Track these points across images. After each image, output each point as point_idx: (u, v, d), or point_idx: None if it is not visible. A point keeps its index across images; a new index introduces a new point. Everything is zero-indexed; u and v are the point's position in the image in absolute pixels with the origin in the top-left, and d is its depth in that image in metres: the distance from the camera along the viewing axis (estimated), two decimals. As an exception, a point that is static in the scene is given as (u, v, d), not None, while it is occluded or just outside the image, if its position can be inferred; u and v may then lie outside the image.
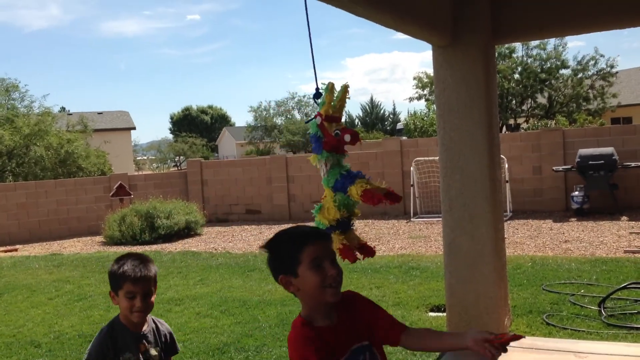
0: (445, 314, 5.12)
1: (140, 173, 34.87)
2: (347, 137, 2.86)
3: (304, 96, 44.52)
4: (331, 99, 2.80)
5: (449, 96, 4.57)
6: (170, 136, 61.55)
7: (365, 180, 2.84)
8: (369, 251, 2.88)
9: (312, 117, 2.94)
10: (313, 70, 3.08)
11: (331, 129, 2.84)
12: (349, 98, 2.96)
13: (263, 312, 6.19)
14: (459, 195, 4.65)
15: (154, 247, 11.77)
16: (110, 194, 14.42)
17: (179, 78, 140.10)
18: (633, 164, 11.36)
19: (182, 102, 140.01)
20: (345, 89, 2.89)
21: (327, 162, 2.89)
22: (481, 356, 1.99)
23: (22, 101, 21.87)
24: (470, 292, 4.71)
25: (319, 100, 2.87)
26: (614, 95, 26.92)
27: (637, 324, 5.00)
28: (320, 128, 2.80)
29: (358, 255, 2.86)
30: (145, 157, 58.48)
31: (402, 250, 9.44)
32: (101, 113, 43.25)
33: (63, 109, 38.76)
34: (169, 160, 51.98)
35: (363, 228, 12.22)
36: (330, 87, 2.80)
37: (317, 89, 2.98)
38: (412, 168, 13.18)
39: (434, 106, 28.04)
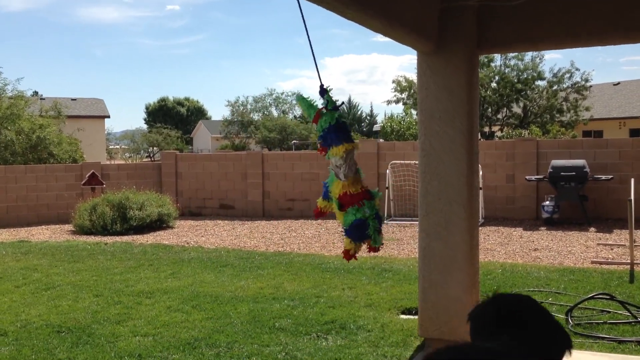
0: (416, 317, 5.17)
1: (112, 162, 34.40)
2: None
3: (282, 93, 44.45)
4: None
5: (431, 102, 4.62)
6: (145, 126, 60.82)
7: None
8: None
9: (326, 110, 3.05)
10: (316, 69, 3.14)
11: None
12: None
13: (235, 309, 6.18)
14: (436, 201, 4.70)
15: (125, 238, 11.63)
16: (82, 183, 14.20)
17: (156, 68, 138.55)
18: (603, 177, 11.62)
19: (158, 92, 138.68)
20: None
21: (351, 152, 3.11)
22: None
23: (-6, 83, 21.29)
24: (442, 297, 4.77)
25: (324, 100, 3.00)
26: (587, 109, 27.49)
27: (603, 333, 5.12)
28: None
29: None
30: (118, 146, 57.68)
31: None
32: (75, 99, 42.53)
33: (36, 93, 38.00)
34: (142, 151, 51.35)
35: (336, 228, 12.26)
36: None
37: (322, 86, 3.07)
38: (387, 171, 13.27)
39: (412, 110, 28.30)
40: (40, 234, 12.71)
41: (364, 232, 3.04)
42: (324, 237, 11.13)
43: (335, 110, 3.05)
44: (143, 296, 6.81)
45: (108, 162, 32.15)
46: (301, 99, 3.06)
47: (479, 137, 26.68)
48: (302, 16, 2.94)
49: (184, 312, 6.13)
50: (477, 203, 4.88)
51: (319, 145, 3.19)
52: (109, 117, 43.21)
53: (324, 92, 3.04)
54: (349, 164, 3.08)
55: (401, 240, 10.53)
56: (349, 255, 3.11)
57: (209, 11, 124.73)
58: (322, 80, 3.10)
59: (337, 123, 3.04)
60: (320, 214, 3.28)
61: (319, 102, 3.14)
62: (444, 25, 4.50)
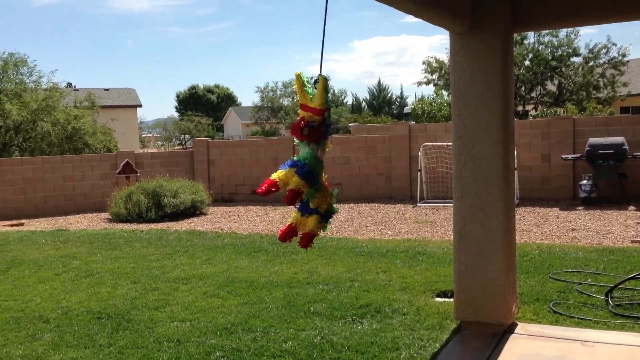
0: (452, 300, 5.13)
1: (146, 151, 34.90)
2: (302, 131, 3.04)
3: (311, 78, 44.29)
4: (300, 90, 2.94)
5: (465, 84, 4.54)
6: (176, 114, 61.50)
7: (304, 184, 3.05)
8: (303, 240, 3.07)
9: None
10: (320, 57, 3.10)
11: (307, 116, 3.04)
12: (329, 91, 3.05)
13: (270, 294, 6.22)
14: (472, 183, 4.64)
15: (160, 225, 11.81)
16: (117, 172, 14.44)
17: (186, 56, 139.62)
18: (642, 155, 11.30)
19: (189, 80, 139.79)
20: (321, 80, 2.99)
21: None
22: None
23: (30, 76, 21.71)
24: (479, 280, 4.72)
25: (310, 92, 2.97)
26: (625, 84, 26.73)
27: (645, 315, 4.99)
28: (317, 130, 3.00)
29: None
30: (150, 135, 58.48)
31: (409, 234, 9.44)
32: (108, 90, 43.19)
33: (70, 84, 38.69)
34: (174, 139, 51.98)
35: (369, 212, 12.24)
36: (322, 79, 2.92)
37: (320, 74, 3.04)
38: (420, 153, 13.14)
39: (443, 91, 27.95)
40: (78, 222, 12.98)
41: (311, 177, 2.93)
42: (357, 221, 11.11)
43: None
44: (179, 282, 6.91)
45: (141, 151, 32.62)
46: (302, 80, 2.97)
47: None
48: (326, 8, 2.89)
49: (220, 297, 6.20)
50: (513, 184, 4.79)
51: (305, 130, 2.97)
52: (141, 106, 43.80)
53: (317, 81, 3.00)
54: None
55: (434, 223, 10.45)
56: (287, 232, 3.03)
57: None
58: (321, 71, 3.08)
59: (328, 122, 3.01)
60: (269, 192, 3.01)
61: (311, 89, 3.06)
62: (478, 4, 4.40)
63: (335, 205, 3.19)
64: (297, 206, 3.05)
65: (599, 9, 4.41)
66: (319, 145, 3.01)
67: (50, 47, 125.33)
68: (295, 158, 3.03)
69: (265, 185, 2.97)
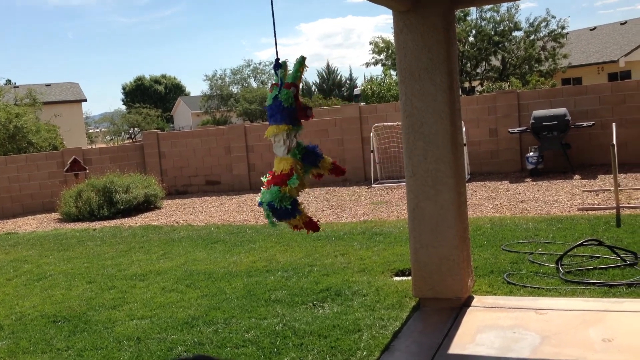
0: (410, 278, 5.22)
1: (94, 146, 34.03)
2: (309, 112, 3.02)
3: (260, 63, 43.94)
4: (303, 71, 2.84)
5: (410, 61, 4.57)
6: (123, 107, 60.03)
7: (296, 164, 3.24)
8: (313, 226, 3.12)
9: (280, 87, 2.96)
10: (274, 40, 3.05)
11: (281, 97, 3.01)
12: (306, 70, 3.03)
13: (229, 284, 6.19)
14: (422, 161, 4.70)
15: (113, 222, 11.56)
16: (65, 169, 14.03)
17: (130, 47, 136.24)
18: (585, 124, 11.67)
19: (135, 72, 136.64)
20: (304, 61, 2.94)
21: (298, 134, 2.98)
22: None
23: (-36, 75, 20.87)
24: (434, 256, 4.81)
25: (290, 72, 2.90)
26: (565, 56, 27.47)
27: (593, 279, 5.20)
28: (296, 99, 2.86)
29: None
30: (98, 130, 56.97)
31: (365, 216, 9.53)
32: (50, 85, 41.75)
33: (9, 81, 37.23)
34: (122, 133, 50.78)
35: (324, 196, 12.27)
36: (303, 60, 2.85)
37: (277, 59, 2.99)
38: (371, 134, 13.23)
39: (391, 71, 28.12)
40: (27, 224, 12.59)
41: (281, 214, 3.11)
42: (312, 206, 11.13)
43: (288, 89, 3.01)
44: (136, 279, 6.80)
45: (89, 147, 31.77)
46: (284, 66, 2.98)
47: (460, 92, 26.59)
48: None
49: (179, 291, 6.13)
50: (462, 160, 4.88)
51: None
52: (85, 100, 42.56)
53: (278, 66, 2.98)
54: (288, 144, 3.11)
55: (389, 203, 10.57)
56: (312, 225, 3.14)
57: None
58: (278, 55, 3.06)
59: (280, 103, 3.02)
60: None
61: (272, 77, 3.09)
62: (418, -18, 4.42)
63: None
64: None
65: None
66: (275, 130, 3.11)
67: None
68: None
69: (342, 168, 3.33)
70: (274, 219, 3.13)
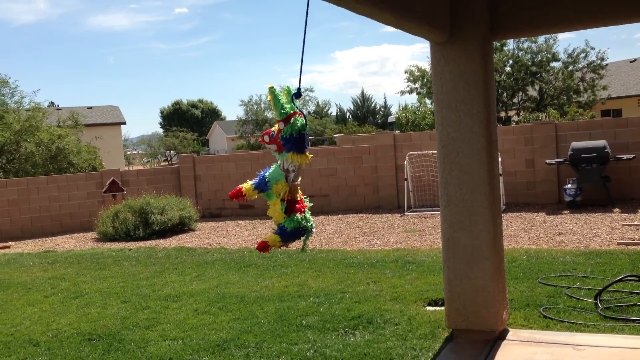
0: (443, 308, 5.16)
1: (131, 168, 34.70)
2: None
3: (294, 89, 44.36)
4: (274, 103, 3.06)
5: (447, 92, 4.59)
6: (161, 130, 61.30)
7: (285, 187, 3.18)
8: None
9: (299, 115, 3.08)
10: (300, 70, 3.17)
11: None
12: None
13: (261, 308, 6.21)
14: (458, 191, 4.68)
15: (148, 243, 11.74)
16: (103, 190, 14.36)
17: (168, 72, 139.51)
18: (625, 157, 11.46)
19: (172, 96, 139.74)
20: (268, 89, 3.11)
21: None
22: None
23: (12, 97, 21.60)
24: (468, 287, 4.75)
25: (294, 104, 3.03)
26: (604, 88, 27.11)
27: (633, 316, 5.06)
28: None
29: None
30: (135, 152, 58.21)
31: (397, 244, 9.48)
32: (91, 108, 42.99)
33: (52, 103, 38.50)
34: (159, 155, 51.77)
35: (357, 222, 12.26)
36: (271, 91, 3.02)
37: (299, 89, 3.10)
38: (405, 162, 13.22)
39: (426, 100, 28.16)
40: (65, 243, 12.87)
41: (298, 237, 3.23)
42: (345, 232, 11.13)
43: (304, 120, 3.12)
44: (170, 300, 6.87)
45: (127, 169, 32.43)
46: (273, 93, 3.07)
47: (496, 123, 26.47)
48: (306, 20, 2.93)
49: (211, 314, 6.17)
50: (498, 190, 4.84)
51: (266, 138, 3.21)
52: (125, 123, 43.62)
53: (299, 95, 3.07)
54: (298, 172, 3.19)
55: (423, 232, 10.49)
56: (266, 248, 3.22)
57: (217, 12, 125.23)
58: (300, 85, 3.18)
59: (302, 134, 3.11)
60: (237, 197, 3.38)
61: (287, 103, 3.13)
62: (456, 13, 4.47)
63: (310, 224, 3.32)
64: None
65: (574, 15, 4.49)
66: (281, 154, 3.18)
67: (32, 67, 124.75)
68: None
69: (235, 191, 3.45)
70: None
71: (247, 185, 3.40)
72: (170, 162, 47.30)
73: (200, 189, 15.72)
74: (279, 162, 3.24)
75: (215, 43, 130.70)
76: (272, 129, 3.20)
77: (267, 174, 3.26)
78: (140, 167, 40.20)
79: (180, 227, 12.98)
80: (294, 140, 3.07)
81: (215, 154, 44.59)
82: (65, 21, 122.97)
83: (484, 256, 4.67)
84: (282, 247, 3.29)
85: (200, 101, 66.73)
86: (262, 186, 3.28)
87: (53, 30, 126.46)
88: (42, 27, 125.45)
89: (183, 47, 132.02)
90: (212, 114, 66.13)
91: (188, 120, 61.70)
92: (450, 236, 4.77)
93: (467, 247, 4.71)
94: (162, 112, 65.87)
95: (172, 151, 48.26)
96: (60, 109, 34.17)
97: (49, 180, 14.98)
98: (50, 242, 13.19)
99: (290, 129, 3.06)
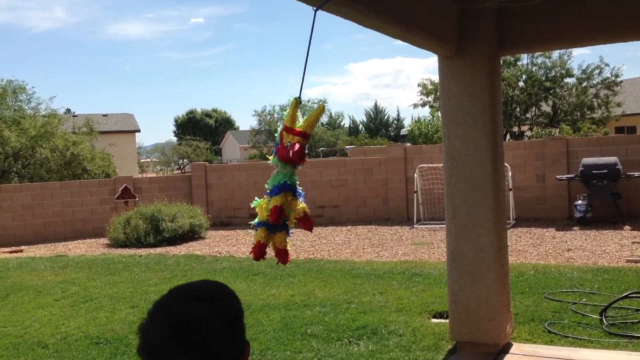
0: (447, 321, 5.18)
1: (144, 176, 34.98)
2: (291, 152, 2.97)
3: (308, 101, 44.61)
4: (293, 113, 2.94)
5: (453, 106, 4.64)
6: (175, 139, 61.73)
7: (287, 198, 2.93)
8: (282, 256, 3.01)
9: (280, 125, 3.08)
10: (301, 81, 3.17)
11: (286, 140, 2.96)
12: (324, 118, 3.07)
13: (267, 316, 6.26)
14: (463, 204, 4.72)
15: (159, 249, 11.84)
16: (115, 197, 14.51)
17: (183, 81, 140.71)
18: (637, 174, 11.40)
19: (186, 105, 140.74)
20: (321, 108, 3.03)
21: (274, 168, 3.06)
22: None
23: (28, 103, 21.90)
24: (472, 300, 4.77)
25: (284, 112, 3.02)
26: (619, 104, 26.98)
27: (638, 333, 5.04)
28: (280, 136, 2.97)
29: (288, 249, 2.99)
30: (149, 160, 58.64)
31: (405, 256, 9.49)
32: (106, 115, 43.43)
33: (68, 110, 38.95)
34: (172, 163, 52.11)
35: (366, 234, 12.29)
36: (294, 102, 2.95)
37: (298, 98, 3.10)
38: (415, 175, 13.24)
39: (438, 113, 28.20)
40: (77, 248, 13.01)
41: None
42: (354, 243, 11.16)
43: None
44: (177, 306, 6.93)
45: (140, 176, 32.69)
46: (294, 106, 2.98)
47: (508, 137, 26.23)
48: (311, 33, 2.98)
49: (218, 321, 6.22)
50: (503, 204, 4.87)
51: (276, 151, 2.98)
52: (139, 131, 44.00)
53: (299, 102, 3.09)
54: None
55: (431, 244, 10.50)
56: (259, 251, 2.99)
57: (232, 23, 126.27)
58: (301, 93, 3.16)
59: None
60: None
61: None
62: (463, 28, 4.53)
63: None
64: (258, 223, 3.00)
65: (583, 31, 4.53)
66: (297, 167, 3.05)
67: (49, 74, 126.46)
68: (282, 181, 3.00)
69: (273, 212, 2.88)
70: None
71: (297, 201, 3.01)
72: (183, 171, 47.61)
73: (212, 197, 15.83)
74: (289, 171, 3.06)
75: (230, 53, 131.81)
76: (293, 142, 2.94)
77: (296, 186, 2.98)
78: (153, 175, 40.50)
79: (191, 234, 13.07)
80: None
81: (228, 163, 44.86)
82: (82, 29, 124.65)
83: (488, 269, 4.69)
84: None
85: (214, 110, 67.19)
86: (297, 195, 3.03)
87: (70, 38, 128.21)
88: (59, 35, 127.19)
89: (198, 57, 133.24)
90: (225, 124, 66.53)
91: (202, 129, 62.11)
92: (455, 248, 4.80)
93: (471, 260, 4.73)
94: (176, 121, 66.38)
95: (185, 160, 48.60)
96: (76, 116, 34.56)
97: (63, 185, 15.17)
98: (62, 246, 13.33)
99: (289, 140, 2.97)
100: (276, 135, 3.04)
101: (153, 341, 1.24)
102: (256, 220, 2.96)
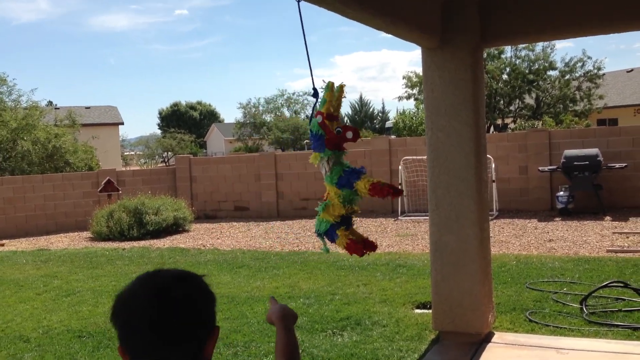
0: (430, 311, 5.21)
1: (128, 168, 34.71)
2: (349, 134, 2.87)
3: (293, 93, 44.54)
4: (332, 98, 2.83)
5: (437, 97, 4.66)
6: (159, 132, 61.30)
7: (369, 176, 2.87)
8: (371, 246, 2.95)
9: (312, 116, 2.96)
10: (310, 71, 3.10)
11: (332, 127, 2.86)
12: (345, 97, 3.00)
13: (251, 309, 6.26)
14: (446, 195, 4.74)
15: (142, 243, 11.78)
16: (98, 190, 14.39)
17: (167, 73, 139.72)
18: (617, 165, 11.54)
19: (171, 97, 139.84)
20: (341, 88, 2.95)
21: (330, 160, 2.92)
22: None
23: (9, 95, 21.58)
24: (455, 290, 4.81)
25: (319, 100, 2.90)
26: (601, 97, 27.21)
27: (617, 321, 5.12)
28: (322, 126, 2.84)
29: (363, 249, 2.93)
30: (133, 153, 58.18)
31: (390, 248, 9.53)
32: (89, 108, 42.97)
33: (50, 103, 38.38)
34: (156, 156, 51.77)
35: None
36: (331, 85, 2.84)
37: (315, 89, 3.02)
38: (400, 167, 13.28)
39: (423, 106, 28.21)
40: (59, 241, 12.90)
41: (324, 238, 2.98)
42: (339, 235, 11.17)
43: (315, 117, 2.97)
44: (161, 299, 6.90)
45: (123, 169, 32.45)
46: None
47: (492, 129, 26.30)
48: (300, 17, 2.96)
49: (202, 313, 6.21)
50: (486, 195, 4.91)
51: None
52: (122, 123, 43.60)
53: (316, 94, 3.02)
54: (324, 171, 3.00)
55: (415, 236, 10.55)
56: (355, 247, 2.93)
57: (218, 15, 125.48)
58: (314, 84, 3.08)
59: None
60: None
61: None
62: (447, 20, 4.54)
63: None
64: (332, 226, 2.95)
65: (565, 24, 4.56)
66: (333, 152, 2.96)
67: (31, 66, 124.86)
68: (349, 168, 2.91)
69: (387, 187, 2.79)
70: (326, 245, 3.10)
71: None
72: (167, 164, 47.31)
73: (196, 190, 15.76)
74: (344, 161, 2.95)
75: (215, 45, 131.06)
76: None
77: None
78: (137, 168, 40.19)
79: (175, 227, 13.01)
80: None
81: (213, 155, 44.65)
82: (66, 21, 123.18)
83: (471, 259, 4.73)
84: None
85: (199, 103, 66.76)
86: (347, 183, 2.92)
87: (54, 29, 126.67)
88: (43, 27, 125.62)
89: (183, 49, 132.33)
90: (210, 116, 66.13)
91: (186, 122, 61.68)
92: (438, 239, 4.83)
93: (454, 250, 4.76)
94: (160, 114, 65.87)
95: (169, 153, 48.28)
96: (59, 108, 34.12)
97: (45, 179, 15.01)
98: (44, 240, 13.21)
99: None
100: (309, 127, 2.94)
101: (133, 306, 1.27)
102: (322, 226, 2.90)
